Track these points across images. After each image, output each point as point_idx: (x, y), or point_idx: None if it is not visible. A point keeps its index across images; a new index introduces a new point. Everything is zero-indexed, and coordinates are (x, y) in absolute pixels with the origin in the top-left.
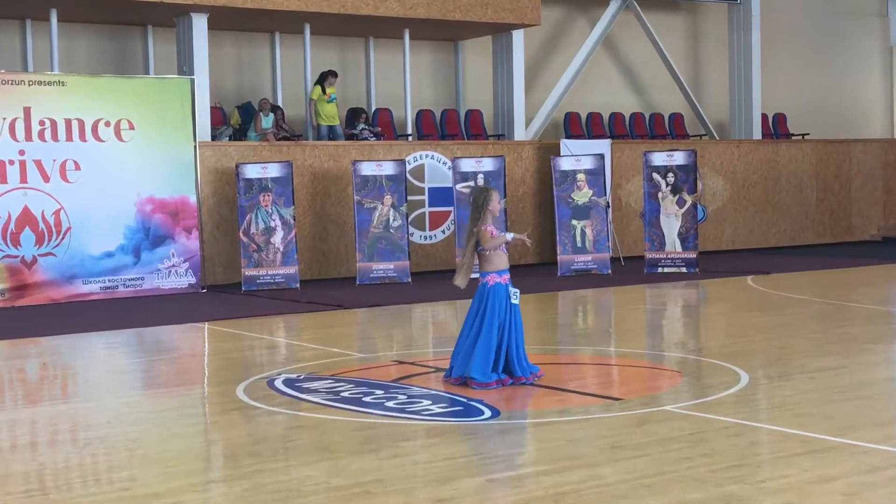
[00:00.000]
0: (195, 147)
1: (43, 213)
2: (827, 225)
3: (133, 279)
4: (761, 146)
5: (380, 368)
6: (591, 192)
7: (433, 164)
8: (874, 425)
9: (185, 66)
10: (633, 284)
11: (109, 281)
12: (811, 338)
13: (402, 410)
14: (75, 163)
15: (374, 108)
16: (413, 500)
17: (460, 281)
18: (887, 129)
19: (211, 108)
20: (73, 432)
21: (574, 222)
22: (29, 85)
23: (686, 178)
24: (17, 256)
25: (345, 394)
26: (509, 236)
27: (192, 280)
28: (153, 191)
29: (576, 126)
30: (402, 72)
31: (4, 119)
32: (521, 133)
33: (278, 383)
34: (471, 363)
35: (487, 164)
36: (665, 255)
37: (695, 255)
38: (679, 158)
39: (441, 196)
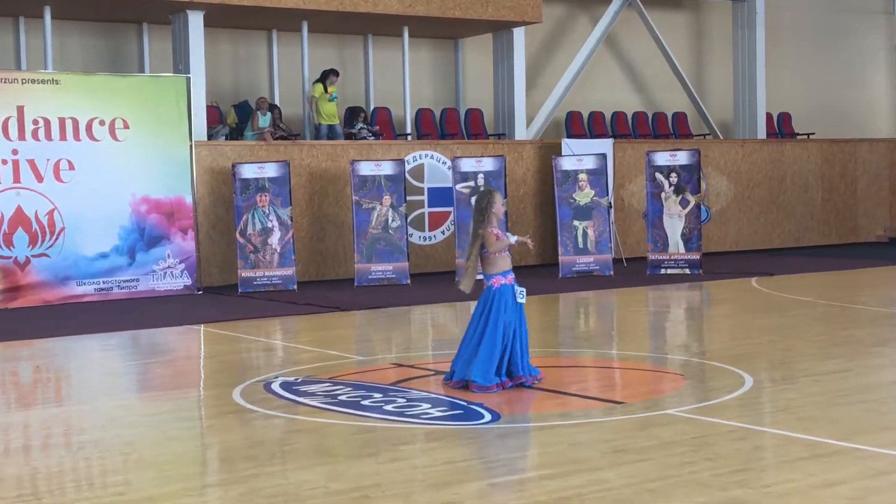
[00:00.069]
0: (191, 146)
1: (36, 213)
2: (832, 226)
3: (128, 280)
4: (766, 146)
5: (378, 371)
6: (593, 192)
7: (433, 163)
8: (880, 429)
9: (180, 64)
10: (636, 286)
11: (104, 282)
12: (816, 340)
13: (401, 414)
14: (69, 162)
15: (372, 107)
16: None
17: (465, 285)
18: (893, 129)
19: (207, 106)
20: (67, 436)
21: (576, 223)
22: (22, 83)
23: (689, 179)
24: (9, 257)
25: (343, 397)
26: (512, 239)
27: (188, 281)
28: (148, 191)
29: (577, 125)
30: (402, 70)
31: None
32: (521, 132)
33: (275, 386)
34: (472, 366)
35: (488, 164)
36: (668, 257)
37: (698, 257)
38: (682, 158)
39: (441, 196)
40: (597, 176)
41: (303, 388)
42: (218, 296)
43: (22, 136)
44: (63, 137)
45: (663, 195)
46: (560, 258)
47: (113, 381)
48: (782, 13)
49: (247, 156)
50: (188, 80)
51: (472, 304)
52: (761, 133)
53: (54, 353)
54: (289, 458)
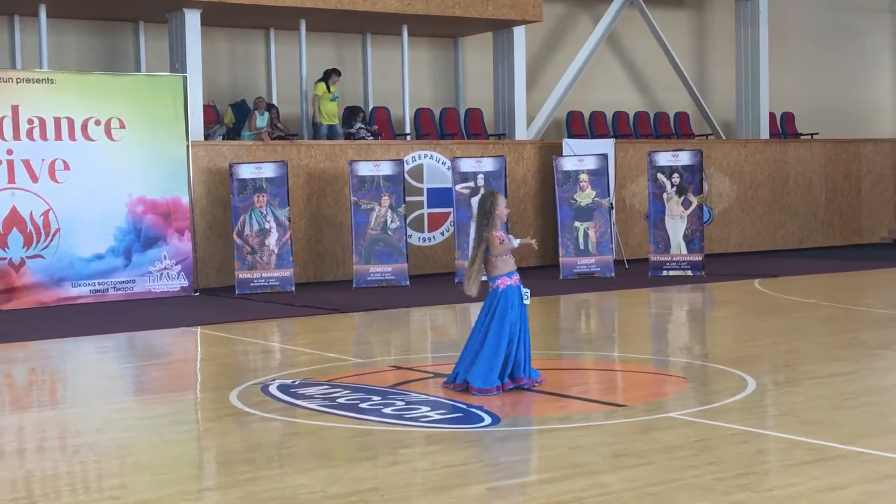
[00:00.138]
0: (188, 146)
1: (31, 213)
2: (836, 227)
3: (124, 282)
4: (769, 146)
5: (377, 374)
6: (595, 192)
7: (432, 164)
8: (884, 432)
9: (177, 63)
10: (638, 288)
11: (99, 284)
12: (820, 343)
13: (400, 417)
14: (64, 162)
15: (371, 107)
16: None
17: (471, 289)
18: None
19: (204, 106)
20: (62, 439)
21: (577, 224)
22: (17, 82)
23: (692, 179)
24: (4, 259)
25: (341, 400)
26: (515, 242)
27: (185, 283)
28: (144, 191)
29: (578, 125)
30: (401, 69)
31: None
32: (522, 132)
33: (273, 389)
34: (473, 369)
35: (488, 165)
36: (670, 258)
37: (701, 258)
38: (684, 158)
39: (440, 197)
40: (598, 176)
41: (301, 391)
42: (215, 297)
43: (17, 136)
44: (58, 137)
45: (665, 196)
46: (561, 259)
47: (109, 383)
48: (786, 12)
49: (244, 156)
50: (185, 79)
51: (472, 306)
52: (764, 133)
53: (49, 356)
54: (286, 461)
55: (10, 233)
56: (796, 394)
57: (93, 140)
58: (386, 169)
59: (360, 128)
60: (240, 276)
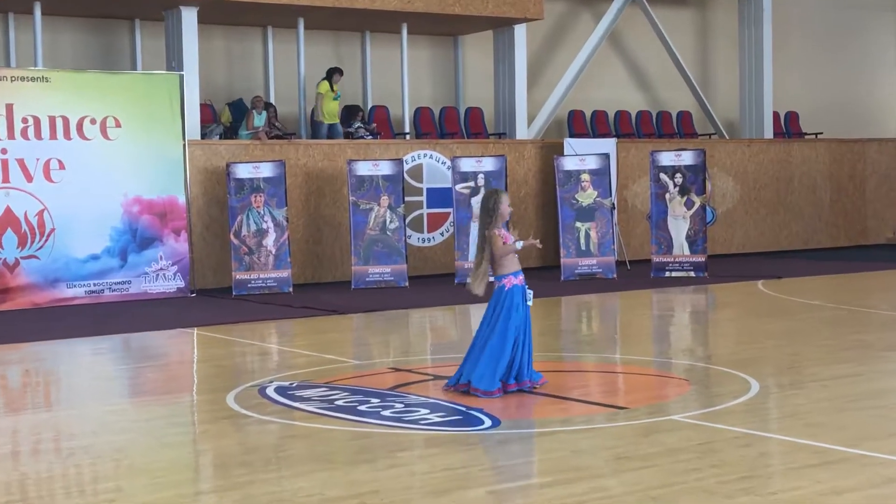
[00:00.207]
0: (184, 146)
1: (26, 213)
2: (841, 227)
3: (119, 283)
4: (773, 145)
5: (376, 376)
6: (596, 193)
7: (432, 163)
8: (889, 435)
9: (173, 61)
10: (640, 289)
11: (95, 285)
12: (824, 345)
13: (399, 419)
14: (59, 162)
15: (370, 106)
16: None
17: (478, 288)
18: None
19: (201, 105)
20: (57, 441)
21: (578, 224)
22: (11, 81)
23: (695, 179)
24: None
25: (339, 402)
26: (519, 245)
27: (181, 284)
28: (140, 191)
29: (580, 124)
30: (400, 68)
31: None
32: (523, 132)
33: (270, 391)
34: (476, 369)
35: (488, 164)
36: (673, 259)
37: (703, 259)
38: (687, 158)
39: (440, 197)
40: (600, 176)
41: (298, 393)
42: (212, 298)
43: (11, 135)
44: (53, 136)
45: (668, 196)
46: (562, 260)
47: (104, 385)
48: (789, 10)
49: (241, 155)
50: (181, 77)
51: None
52: (768, 133)
53: (44, 357)
54: (284, 464)
55: (5, 233)
56: (800, 396)
57: (88, 139)
58: (385, 168)
59: (358, 127)
60: (237, 276)
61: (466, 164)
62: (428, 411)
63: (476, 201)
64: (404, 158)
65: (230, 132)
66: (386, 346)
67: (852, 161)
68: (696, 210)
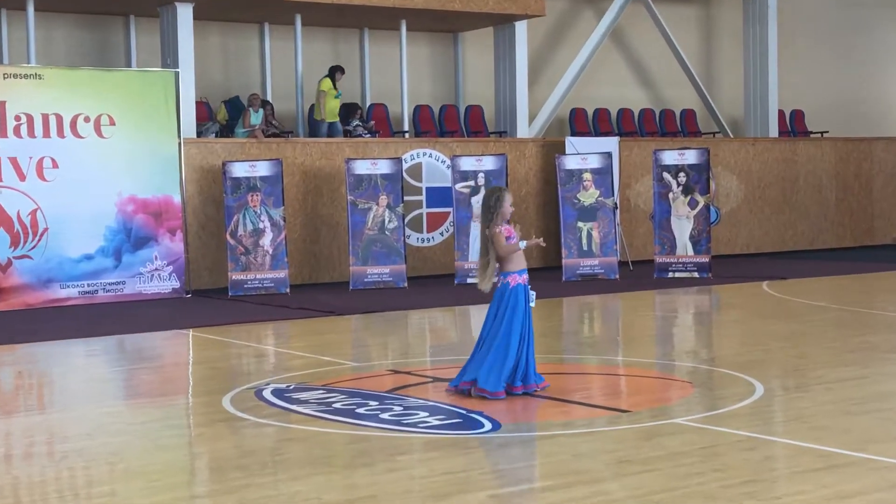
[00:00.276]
0: (179, 144)
1: (18, 213)
2: (847, 227)
3: (114, 283)
4: (778, 144)
5: (374, 378)
6: (598, 192)
7: (431, 162)
8: (895, 439)
9: (169, 58)
10: (642, 290)
11: (89, 285)
12: (829, 347)
13: (398, 423)
14: (53, 160)
15: (368, 104)
16: None
17: (485, 285)
18: None
19: (196, 102)
20: (50, 444)
21: (580, 224)
22: (4, 78)
23: (698, 178)
24: None
25: (337, 405)
26: (522, 244)
27: (176, 284)
28: (135, 190)
29: (582, 123)
30: (399, 65)
31: None
32: (524, 130)
33: (267, 393)
34: (481, 370)
35: (488, 163)
36: (676, 259)
37: (707, 260)
38: (691, 157)
39: (439, 196)
40: (602, 175)
41: (295, 396)
42: (207, 299)
43: (3, 133)
44: (46, 134)
45: (671, 196)
46: (564, 261)
47: (98, 387)
48: (795, 7)
49: (238, 154)
50: (177, 74)
51: (472, 309)
52: (773, 131)
53: (37, 359)
54: (281, 467)
55: None
56: (805, 399)
57: (82, 137)
58: (384, 167)
59: (357, 125)
60: (233, 277)
61: (466, 163)
62: (427, 414)
63: (476, 201)
64: (403, 157)
65: (226, 130)
66: (384, 347)
67: (858, 160)
68: (700, 210)
